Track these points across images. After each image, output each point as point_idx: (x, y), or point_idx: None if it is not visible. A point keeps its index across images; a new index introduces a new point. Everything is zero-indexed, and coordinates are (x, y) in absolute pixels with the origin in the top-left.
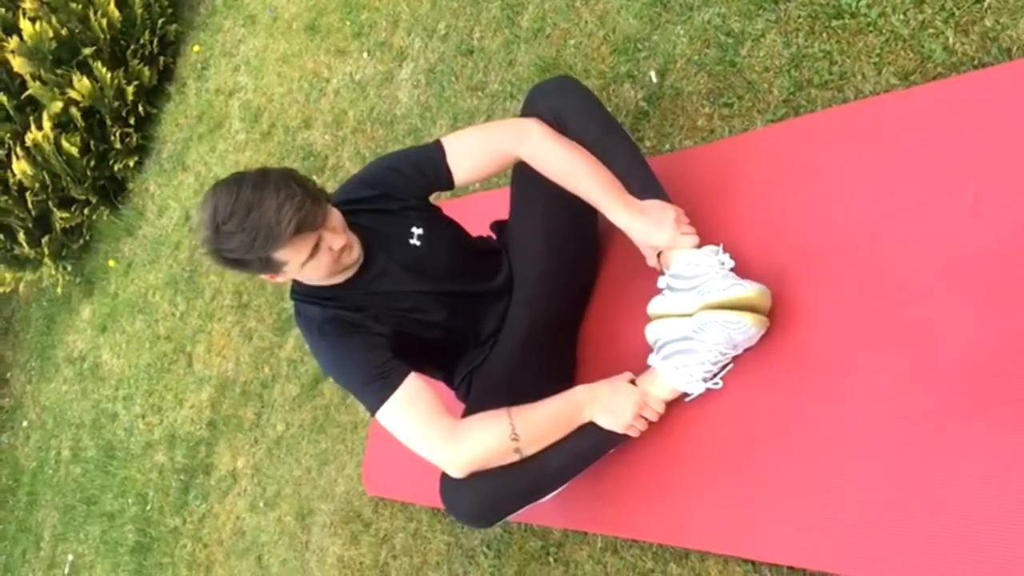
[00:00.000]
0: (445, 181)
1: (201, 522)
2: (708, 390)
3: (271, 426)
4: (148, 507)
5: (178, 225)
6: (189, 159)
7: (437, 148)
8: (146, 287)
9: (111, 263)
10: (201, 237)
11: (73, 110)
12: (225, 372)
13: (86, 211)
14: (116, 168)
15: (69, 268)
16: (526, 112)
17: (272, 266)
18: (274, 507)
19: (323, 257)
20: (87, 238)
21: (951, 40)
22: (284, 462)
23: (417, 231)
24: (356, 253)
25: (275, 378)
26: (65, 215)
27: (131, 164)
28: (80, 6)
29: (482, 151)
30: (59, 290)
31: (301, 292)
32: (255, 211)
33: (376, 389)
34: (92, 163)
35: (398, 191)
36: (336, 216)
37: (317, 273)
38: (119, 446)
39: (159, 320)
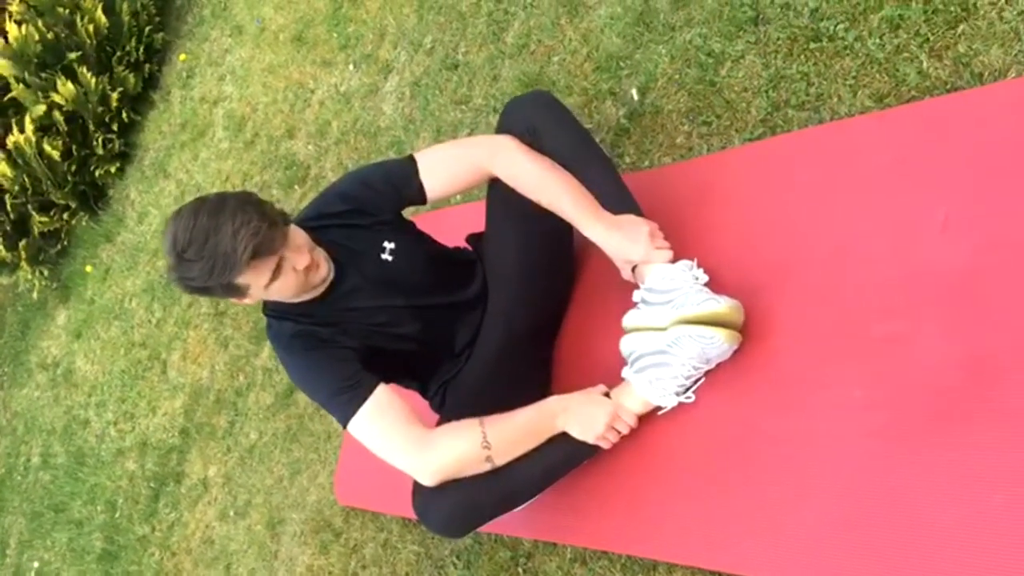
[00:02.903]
0: (418, 196)
1: (170, 530)
2: (680, 404)
3: (244, 435)
4: (117, 515)
5: (157, 232)
6: (171, 166)
7: (410, 163)
8: (123, 293)
9: (88, 268)
10: (166, 265)
11: (56, 114)
12: (200, 380)
13: (65, 216)
14: (97, 174)
15: (46, 273)
16: (502, 126)
17: (235, 291)
18: (244, 516)
19: (288, 278)
20: (65, 243)
21: (925, 64)
22: (256, 471)
23: (389, 245)
24: (324, 270)
25: (250, 386)
26: (44, 219)
27: (112, 170)
28: (67, 11)
29: (455, 166)
30: (35, 295)
31: (272, 308)
32: (212, 238)
33: (346, 401)
34: (73, 168)
35: (370, 206)
36: (298, 236)
37: (285, 293)
38: (90, 453)
39: (135, 327)
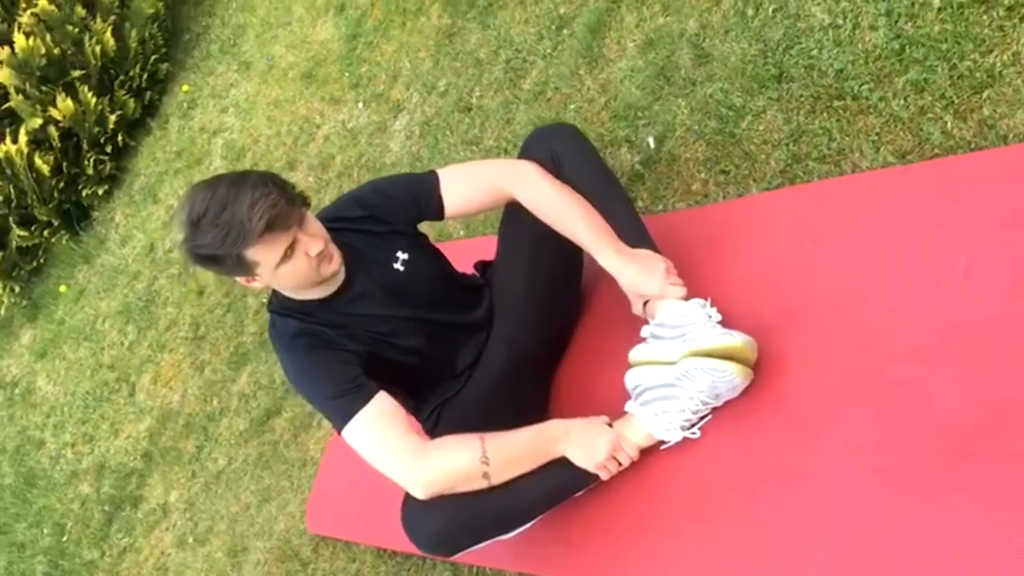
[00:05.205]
0: (436, 210)
1: (121, 556)
2: (685, 439)
3: (212, 460)
4: (64, 538)
5: (140, 255)
6: (162, 192)
7: (432, 177)
8: (96, 315)
9: (62, 288)
10: (179, 236)
11: (51, 129)
12: (169, 404)
13: (46, 233)
14: (84, 194)
15: (17, 290)
16: (524, 152)
17: (244, 265)
18: (204, 543)
19: (299, 262)
20: (41, 260)
21: (949, 125)
22: (222, 497)
23: (402, 256)
24: (336, 264)
25: (223, 412)
26: (24, 234)
27: (100, 192)
28: (77, 30)
29: (476, 185)
30: (2, 311)
31: (278, 305)
32: (229, 207)
33: (345, 404)
34: (61, 185)
35: (387, 215)
36: (315, 224)
37: (293, 279)
38: (41, 474)
39: (105, 348)
